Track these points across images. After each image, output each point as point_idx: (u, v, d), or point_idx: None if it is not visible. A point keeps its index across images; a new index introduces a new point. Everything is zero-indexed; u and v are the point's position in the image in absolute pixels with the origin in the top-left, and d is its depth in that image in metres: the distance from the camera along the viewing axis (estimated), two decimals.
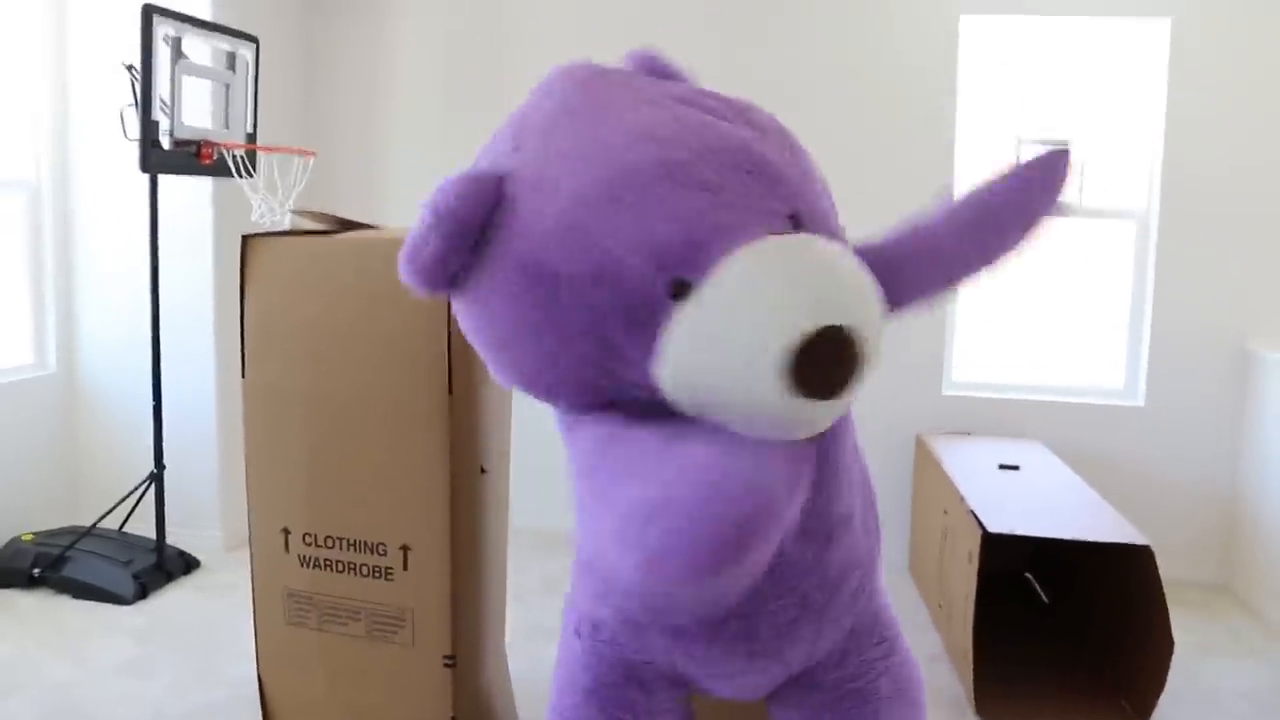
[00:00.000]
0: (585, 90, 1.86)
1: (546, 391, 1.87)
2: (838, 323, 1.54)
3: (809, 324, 1.53)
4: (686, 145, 1.72)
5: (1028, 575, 4.82)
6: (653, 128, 1.75)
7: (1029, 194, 2.25)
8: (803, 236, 1.69)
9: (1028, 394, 4.97)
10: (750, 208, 1.70)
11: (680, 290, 1.65)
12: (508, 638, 3.33)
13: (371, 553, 2.87)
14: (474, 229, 1.79)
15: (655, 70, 2.02)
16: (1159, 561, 3.43)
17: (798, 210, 1.77)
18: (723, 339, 1.60)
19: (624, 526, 1.46)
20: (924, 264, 2.15)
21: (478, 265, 1.80)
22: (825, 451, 1.98)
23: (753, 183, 1.74)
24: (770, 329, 1.55)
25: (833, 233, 1.86)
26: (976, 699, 3.55)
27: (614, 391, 1.82)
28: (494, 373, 1.94)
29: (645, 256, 1.66)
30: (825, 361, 1.55)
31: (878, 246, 2.06)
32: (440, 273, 1.82)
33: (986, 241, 2.20)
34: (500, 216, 1.78)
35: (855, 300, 1.60)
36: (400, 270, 1.84)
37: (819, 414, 1.61)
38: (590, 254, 1.69)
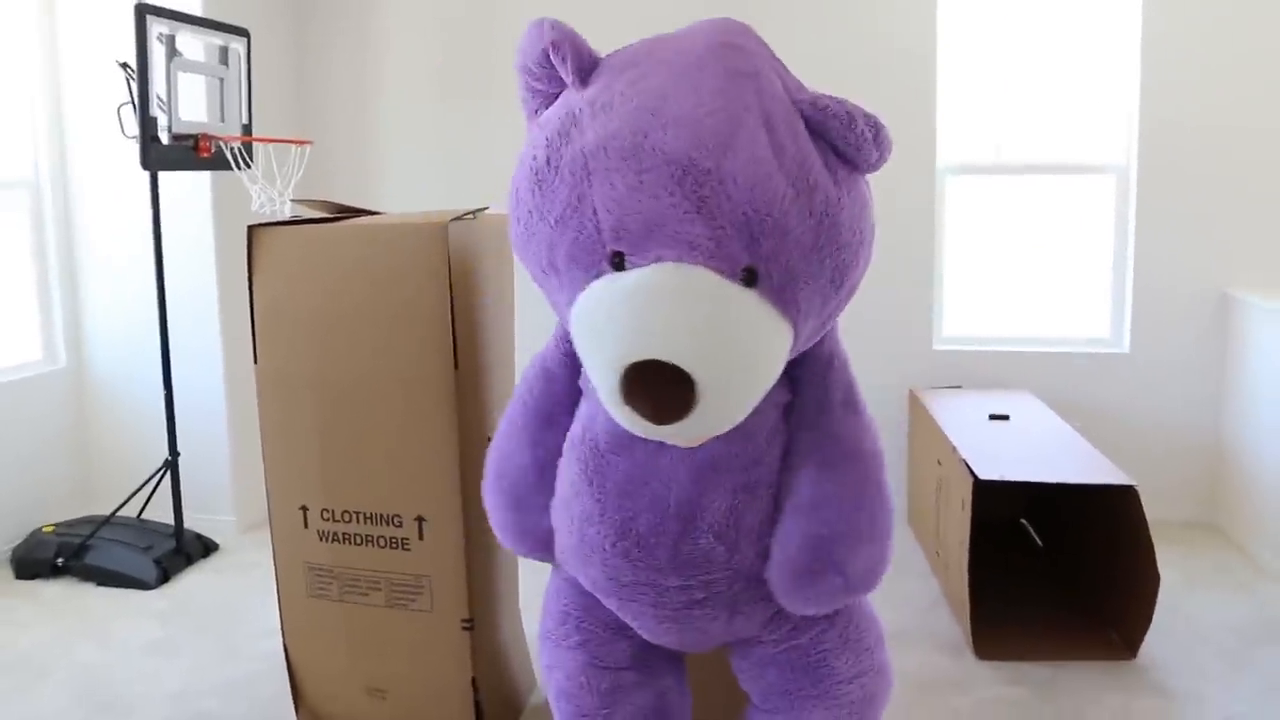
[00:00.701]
0: (714, 51, 1.96)
1: (519, 255, 2.12)
2: (668, 360, 1.75)
3: (640, 354, 1.76)
4: (716, 159, 1.83)
5: (1023, 522, 4.95)
6: (707, 125, 1.86)
7: None
8: (709, 281, 1.82)
9: (1016, 346, 5.09)
10: (713, 241, 1.83)
11: (617, 261, 1.87)
12: (521, 600, 3.46)
13: (388, 524, 2.99)
14: (553, 72, 2.02)
15: None
16: (1147, 503, 3.56)
17: (757, 269, 1.87)
18: (600, 326, 1.85)
19: None
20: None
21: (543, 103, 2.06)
22: (747, 470, 2.13)
23: (738, 224, 1.84)
24: (618, 343, 1.80)
25: (787, 304, 1.92)
26: (974, 641, 3.69)
27: (563, 317, 2.07)
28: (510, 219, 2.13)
29: (608, 219, 1.88)
30: (650, 390, 1.77)
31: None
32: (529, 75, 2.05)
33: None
34: (577, 104, 1.97)
35: (702, 347, 1.78)
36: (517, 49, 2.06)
37: (658, 432, 1.84)
38: (581, 187, 1.91)
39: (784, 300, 1.91)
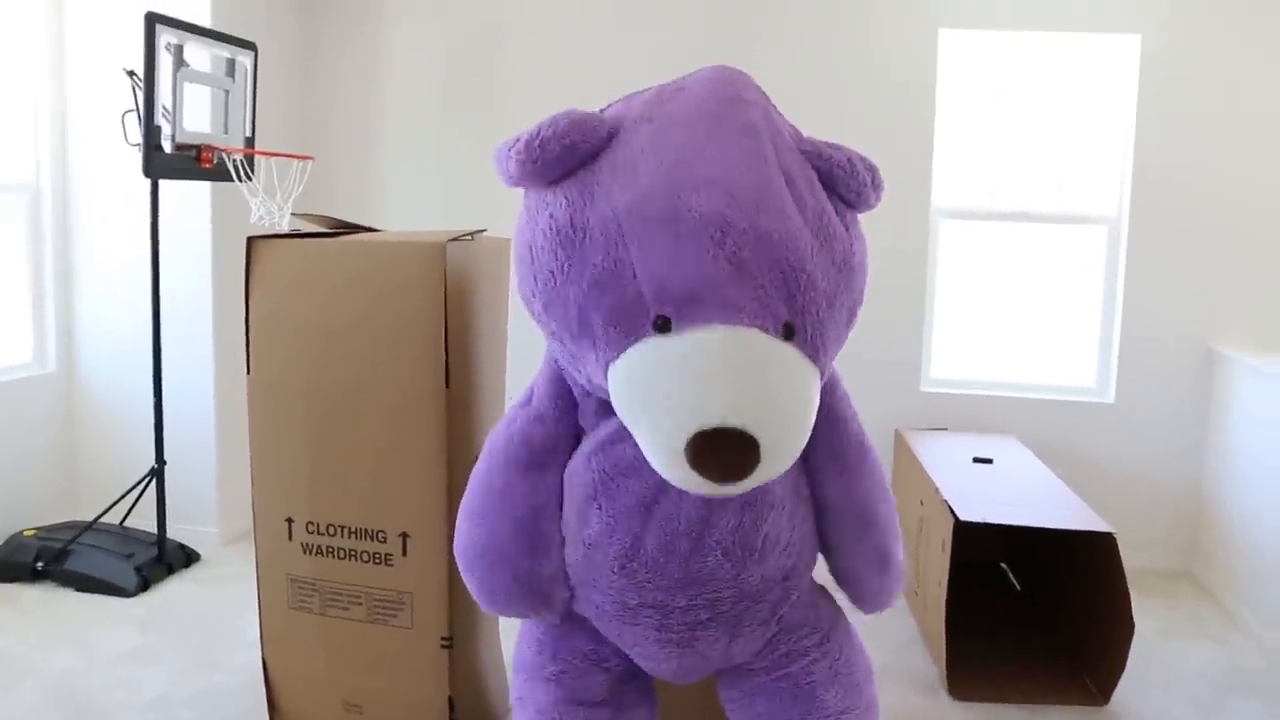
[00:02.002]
0: (725, 106, 2.01)
1: (536, 313, 2.11)
2: (739, 427, 1.79)
3: (709, 423, 1.79)
4: (750, 218, 1.89)
5: (1003, 565, 4.98)
6: (741, 185, 1.91)
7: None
8: (761, 342, 1.87)
9: (1003, 391, 5.14)
10: (757, 300, 1.89)
11: (661, 325, 1.88)
12: (501, 623, 3.47)
13: (372, 539, 3.01)
14: (564, 167, 2.00)
15: None
16: (1126, 551, 3.60)
17: (794, 323, 1.94)
18: (657, 392, 1.86)
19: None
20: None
21: (554, 184, 2.03)
22: (754, 489, 2.15)
23: (776, 282, 1.91)
24: (684, 411, 1.81)
25: (818, 351, 2.00)
26: (949, 680, 3.71)
27: (582, 372, 2.08)
28: (515, 271, 2.14)
29: (653, 284, 1.88)
30: (719, 456, 1.81)
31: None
32: (516, 182, 2.03)
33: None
34: (594, 162, 1.99)
35: (765, 410, 1.83)
36: (494, 158, 2.05)
37: (711, 489, 1.88)
38: (617, 250, 1.92)
39: (815, 349, 1.98)
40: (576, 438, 2.28)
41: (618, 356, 1.93)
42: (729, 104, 2.01)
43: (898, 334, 5.14)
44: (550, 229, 1.99)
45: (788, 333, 1.92)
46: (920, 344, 5.16)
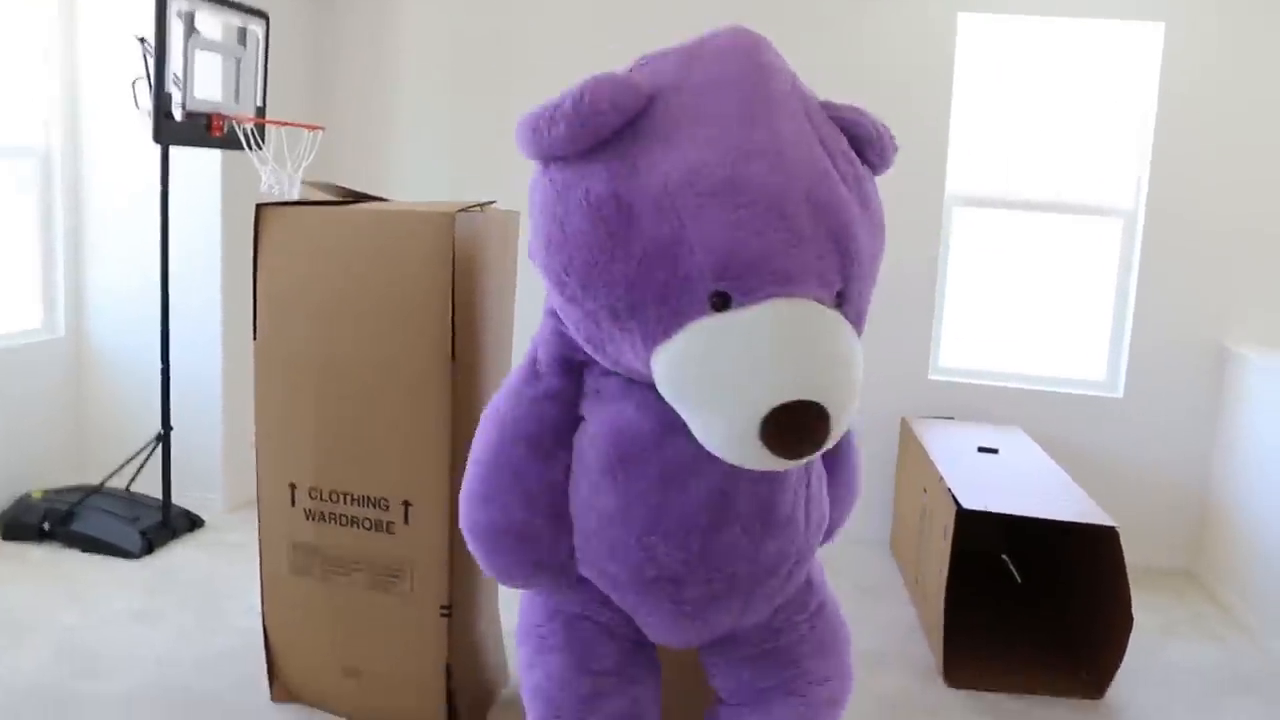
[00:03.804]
0: (757, 73, 1.98)
1: (568, 293, 2.03)
2: (814, 399, 1.78)
3: (785, 398, 1.77)
4: (804, 189, 1.88)
5: (1004, 557, 4.98)
6: (791, 155, 1.89)
7: None
8: (822, 313, 1.86)
9: (1011, 382, 5.13)
10: (815, 272, 1.87)
11: (719, 303, 1.85)
12: (500, 590, 3.48)
13: (374, 507, 3.02)
14: (602, 136, 1.93)
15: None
16: (1129, 547, 3.59)
17: (847, 290, 1.93)
18: (724, 371, 1.82)
19: None
20: None
21: (588, 154, 1.95)
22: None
23: (832, 252, 1.90)
24: (758, 388, 1.78)
25: (860, 316, 2.02)
26: (946, 668, 3.71)
27: (609, 352, 2.03)
28: (534, 244, 2.08)
29: (709, 258, 1.84)
30: (796, 430, 1.79)
31: None
32: (553, 152, 1.96)
33: None
34: (631, 130, 1.93)
35: (834, 381, 1.82)
36: (517, 131, 1.97)
37: (777, 464, 1.87)
38: (670, 225, 1.87)
39: (858, 314, 2.00)
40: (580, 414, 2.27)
41: (669, 337, 1.89)
42: (758, 71, 1.98)
43: (907, 321, 5.13)
44: (587, 204, 1.93)
45: (840, 301, 1.92)
46: (930, 332, 5.15)
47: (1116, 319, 5.06)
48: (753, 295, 1.83)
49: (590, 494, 2.19)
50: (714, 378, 1.83)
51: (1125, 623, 3.54)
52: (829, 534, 2.49)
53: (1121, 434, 5.01)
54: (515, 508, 2.24)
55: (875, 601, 4.37)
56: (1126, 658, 3.57)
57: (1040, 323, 5.21)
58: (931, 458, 4.23)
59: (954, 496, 3.73)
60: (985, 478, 4.04)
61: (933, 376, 5.18)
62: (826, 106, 2.08)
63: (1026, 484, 4.06)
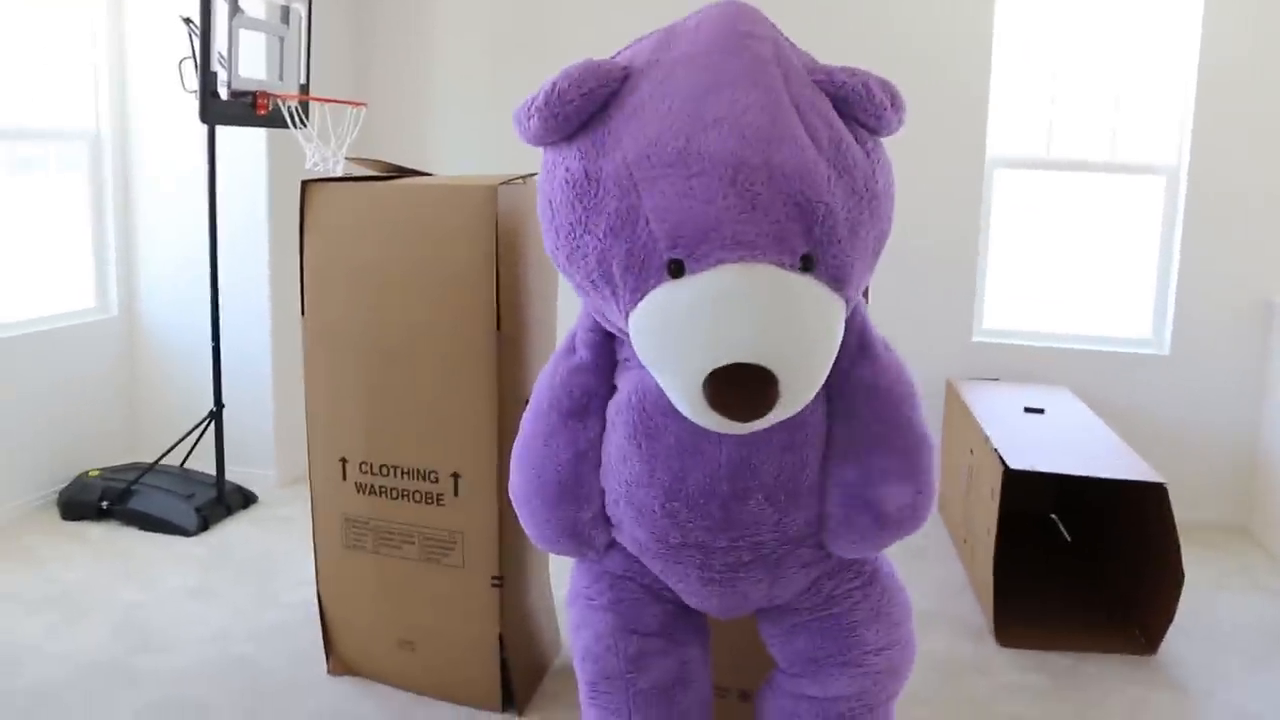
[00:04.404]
0: (731, 42, 1.99)
1: (561, 266, 2.12)
2: (756, 362, 1.79)
3: (724, 359, 1.80)
4: (763, 153, 1.87)
5: (1053, 516, 4.97)
6: (750, 120, 1.89)
7: None
8: (776, 277, 1.86)
9: (1056, 342, 5.10)
10: (771, 235, 1.87)
11: (674, 269, 1.88)
12: (551, 561, 3.52)
13: (424, 480, 3.06)
14: (576, 123, 2.00)
15: None
16: (1179, 504, 3.57)
17: (813, 254, 1.92)
18: (671, 335, 1.87)
19: None
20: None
21: (569, 137, 2.03)
22: (794, 431, 2.14)
23: (792, 215, 1.88)
24: (698, 352, 1.82)
25: (842, 282, 1.97)
26: (996, 628, 3.72)
27: (610, 320, 2.10)
28: (542, 227, 2.15)
29: (662, 227, 1.89)
30: (738, 393, 1.81)
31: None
32: (535, 142, 2.05)
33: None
34: (605, 110, 1.99)
35: (781, 343, 1.83)
36: (514, 121, 2.06)
37: (736, 428, 1.88)
38: (629, 197, 1.92)
39: (838, 280, 1.96)
40: (615, 383, 2.30)
41: (635, 304, 1.94)
42: (737, 40, 1.99)
43: (951, 284, 5.11)
44: (566, 182, 2.00)
45: (806, 264, 1.90)
46: (973, 294, 5.13)
47: (1161, 276, 5.01)
48: (704, 262, 1.85)
49: (618, 461, 2.22)
50: (666, 343, 1.88)
51: (1176, 579, 3.53)
52: (867, 510, 2.22)
53: (1169, 391, 4.97)
54: (546, 471, 2.30)
55: (924, 562, 4.38)
56: (1178, 614, 3.57)
57: (1085, 282, 5.17)
58: (977, 419, 4.23)
59: (1000, 457, 3.72)
60: (1032, 438, 4.03)
61: (977, 339, 5.16)
62: (816, 71, 2.03)
63: (1073, 443, 4.04)
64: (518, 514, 2.40)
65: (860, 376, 2.23)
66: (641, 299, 1.93)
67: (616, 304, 2.00)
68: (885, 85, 2.02)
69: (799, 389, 1.87)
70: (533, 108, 1.99)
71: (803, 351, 1.86)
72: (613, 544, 2.38)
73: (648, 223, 1.90)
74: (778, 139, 1.89)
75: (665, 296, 1.89)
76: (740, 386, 1.81)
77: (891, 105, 2.02)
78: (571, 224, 2.00)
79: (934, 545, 4.58)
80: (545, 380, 2.36)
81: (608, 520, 2.32)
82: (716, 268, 1.84)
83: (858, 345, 2.24)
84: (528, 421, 2.37)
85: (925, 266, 5.06)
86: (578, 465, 2.28)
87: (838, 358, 2.15)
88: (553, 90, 1.96)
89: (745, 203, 1.85)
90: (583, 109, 1.97)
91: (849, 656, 2.37)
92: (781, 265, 1.86)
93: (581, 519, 2.30)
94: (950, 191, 5.02)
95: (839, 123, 1.99)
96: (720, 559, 2.22)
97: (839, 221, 1.93)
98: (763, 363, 1.80)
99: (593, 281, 2.03)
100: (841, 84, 1.99)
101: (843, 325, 1.99)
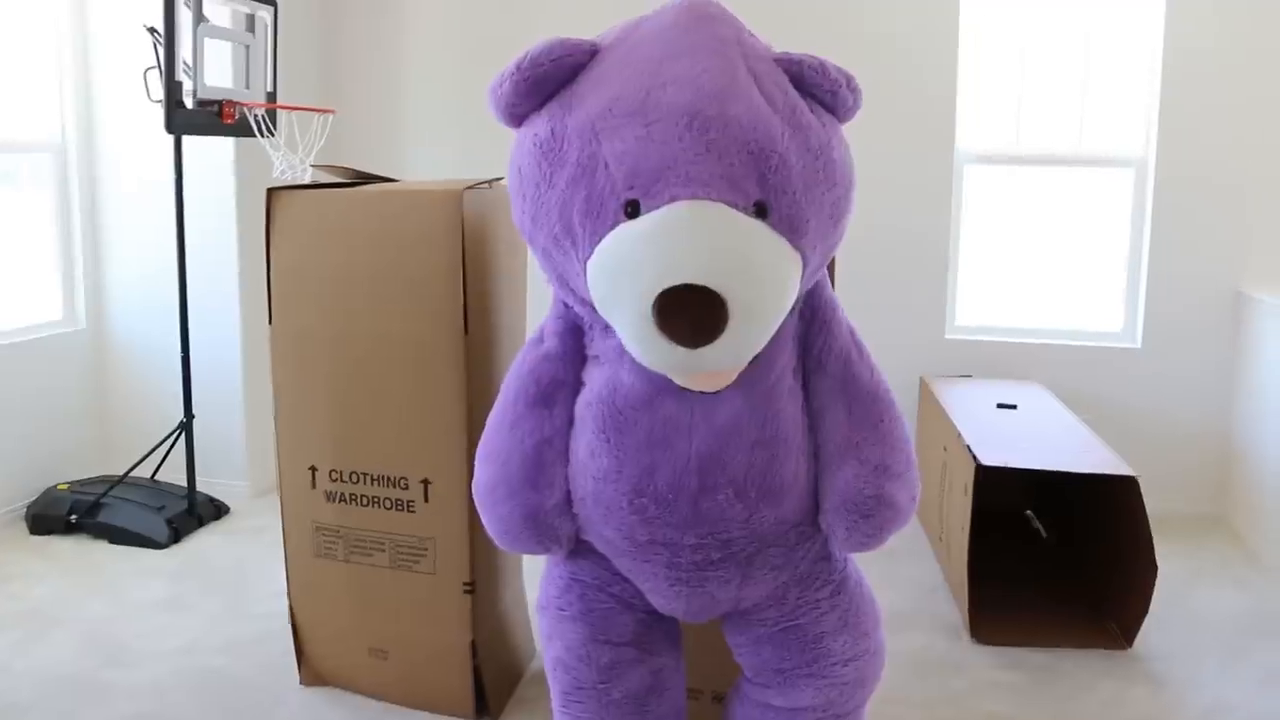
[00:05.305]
0: (695, 21, 2.07)
1: (527, 233, 2.15)
2: (704, 283, 1.81)
3: (673, 280, 1.82)
4: (719, 103, 1.93)
5: (1028, 512, 4.97)
6: (704, 77, 1.96)
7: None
8: (727, 214, 1.89)
9: (1027, 338, 5.11)
10: (724, 178, 1.91)
11: (630, 209, 1.92)
12: (524, 568, 3.50)
13: (394, 486, 3.04)
14: (546, 89, 2.07)
15: None
16: (1153, 496, 3.58)
17: (767, 202, 1.95)
18: (624, 267, 1.90)
19: None
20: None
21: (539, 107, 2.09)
22: (764, 426, 2.15)
23: (746, 162, 1.93)
24: (648, 277, 1.84)
25: (797, 233, 1.99)
26: (972, 625, 3.72)
27: (573, 288, 2.11)
28: (511, 201, 2.18)
29: (620, 169, 1.93)
30: (686, 313, 1.83)
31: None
32: (507, 109, 2.11)
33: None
34: (573, 81, 2.06)
35: (730, 268, 1.85)
36: (488, 96, 2.13)
37: (691, 360, 1.88)
38: (590, 147, 1.97)
39: (793, 230, 1.98)
40: (582, 379, 2.30)
41: (594, 249, 1.96)
42: (698, 21, 2.06)
43: (922, 280, 5.11)
44: (534, 144, 2.04)
45: (759, 211, 1.94)
46: (945, 290, 5.13)
47: (1131, 269, 5.03)
48: (658, 199, 1.89)
49: (587, 457, 2.22)
50: (619, 275, 1.90)
51: (1150, 571, 3.53)
52: (889, 505, 2.23)
53: (1141, 384, 4.99)
54: (511, 462, 2.29)
55: (900, 561, 4.37)
56: (1153, 606, 3.57)
57: (1055, 277, 5.19)
58: (950, 416, 4.23)
59: (973, 454, 3.72)
60: (1004, 434, 4.03)
61: (949, 335, 5.17)
62: (780, 54, 2.10)
63: (1046, 439, 4.05)
64: (479, 507, 2.38)
65: (861, 375, 2.28)
66: (598, 244, 1.96)
67: (577, 256, 2.02)
68: (841, 69, 2.09)
69: (748, 319, 1.87)
70: (505, 76, 2.06)
71: (751, 279, 1.88)
72: (577, 539, 2.37)
73: (607, 167, 1.94)
74: (733, 94, 1.95)
75: (620, 233, 1.92)
76: (689, 307, 1.82)
77: (846, 85, 2.08)
78: (537, 182, 2.04)
79: (909, 543, 4.58)
80: (513, 370, 2.38)
81: (571, 512, 2.31)
82: (671, 204, 1.88)
83: (854, 344, 2.31)
84: (495, 413, 2.38)
85: (897, 264, 5.07)
86: (542, 451, 2.28)
87: (832, 353, 2.24)
88: (525, 57, 2.04)
89: (700, 145, 1.90)
90: (553, 74, 2.04)
91: (815, 668, 2.36)
92: (734, 206, 1.90)
93: (544, 505, 2.29)
94: (920, 188, 5.03)
95: (795, 93, 2.05)
96: (688, 557, 2.21)
97: (793, 173, 1.97)
98: (710, 284, 1.81)
99: (555, 238, 2.05)
100: (798, 60, 2.06)
101: (799, 279, 2.02)
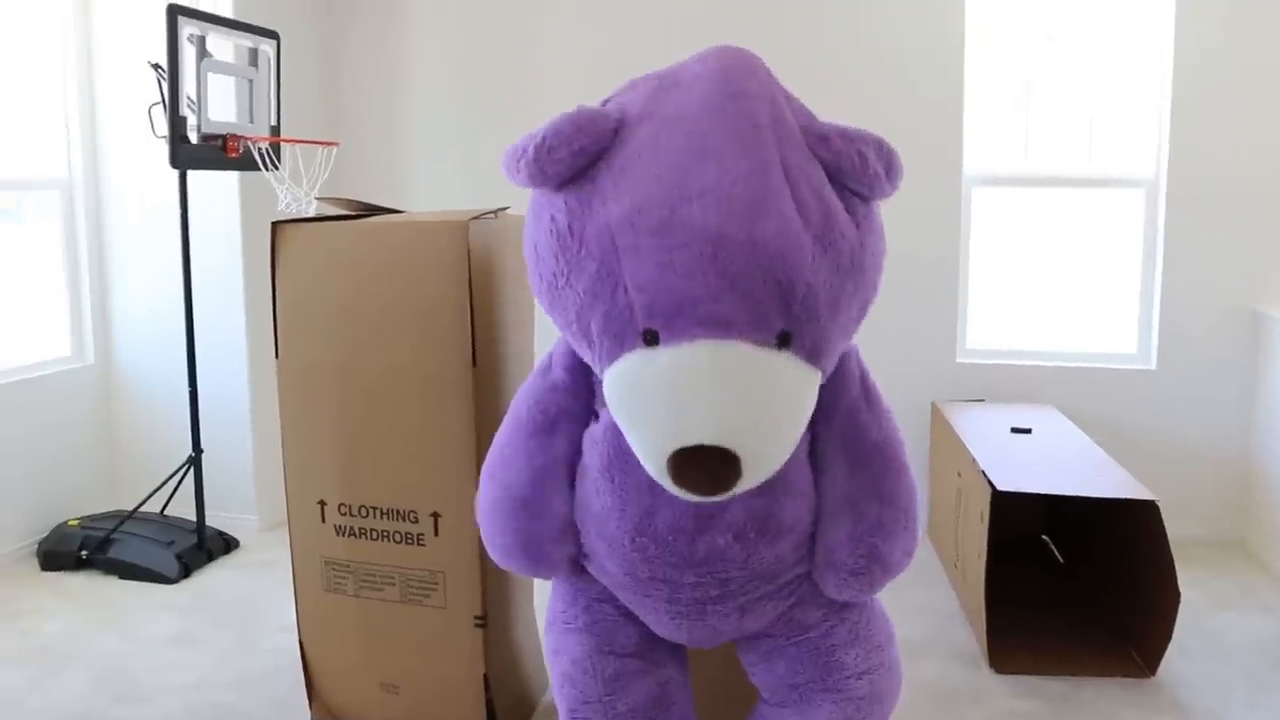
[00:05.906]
0: (726, 103, 1.96)
1: (543, 303, 2.12)
2: (719, 444, 1.83)
3: (688, 441, 1.84)
4: (746, 229, 1.85)
5: (1045, 538, 4.92)
6: (738, 193, 1.87)
7: None
8: (747, 357, 1.86)
9: (1040, 360, 5.06)
10: (747, 313, 1.87)
11: (650, 337, 1.89)
12: (534, 599, 3.46)
13: (404, 520, 3.01)
14: (564, 177, 1.99)
15: None
16: (1173, 521, 3.54)
17: (792, 331, 1.91)
18: (640, 406, 1.89)
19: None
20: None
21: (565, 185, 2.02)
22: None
23: (771, 294, 1.87)
24: (664, 430, 1.86)
25: (819, 355, 1.97)
26: (990, 653, 3.67)
27: (588, 357, 2.09)
28: (527, 262, 2.14)
29: (641, 297, 1.89)
30: (699, 473, 1.85)
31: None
32: (524, 187, 2.04)
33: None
34: (593, 166, 1.98)
35: (745, 425, 1.85)
36: (503, 165, 2.05)
37: (703, 500, 1.93)
38: (610, 261, 1.92)
39: (815, 353, 1.96)
40: (590, 406, 2.29)
41: (611, 364, 1.96)
42: (732, 100, 1.96)
43: (932, 305, 5.08)
44: (551, 232, 2.00)
45: (783, 341, 1.90)
46: (955, 315, 5.10)
47: (1145, 290, 4.99)
48: (677, 336, 1.86)
49: (592, 494, 2.22)
50: (635, 412, 1.91)
51: (1172, 598, 3.48)
52: (879, 562, 2.24)
53: (1157, 406, 4.94)
54: (512, 482, 2.31)
55: (915, 588, 4.32)
56: (1176, 633, 3.52)
57: (1068, 299, 5.15)
58: (964, 441, 4.19)
59: (989, 479, 3.68)
60: (1019, 458, 3.99)
61: (961, 359, 5.13)
62: (814, 131, 2.00)
63: (1062, 463, 4.01)
64: (479, 522, 2.40)
65: (866, 424, 2.24)
66: (617, 359, 1.94)
67: (593, 356, 2.02)
68: (881, 151, 1.98)
69: (761, 468, 1.90)
70: (522, 160, 1.97)
71: (767, 434, 1.88)
72: (574, 565, 2.37)
73: (626, 291, 1.90)
74: (764, 214, 1.86)
75: (638, 363, 1.90)
76: (703, 465, 1.84)
77: (886, 174, 1.98)
78: (554, 273, 2.01)
79: (924, 570, 4.54)
80: (521, 395, 2.38)
81: (567, 539, 2.31)
82: (690, 343, 1.85)
83: (862, 393, 2.25)
84: (501, 433, 2.39)
85: (907, 288, 5.04)
86: (541, 478, 2.28)
87: (839, 402, 2.20)
88: (543, 144, 1.94)
89: (724, 281, 1.84)
90: (572, 166, 1.96)
91: (829, 682, 2.34)
92: (756, 343, 1.87)
93: (538, 533, 2.30)
94: (929, 211, 5.00)
95: (830, 193, 1.96)
96: (688, 594, 2.21)
97: (820, 300, 1.92)
98: (726, 445, 1.83)
99: (572, 331, 2.05)
100: (836, 152, 1.96)
101: (815, 397, 2.00)
